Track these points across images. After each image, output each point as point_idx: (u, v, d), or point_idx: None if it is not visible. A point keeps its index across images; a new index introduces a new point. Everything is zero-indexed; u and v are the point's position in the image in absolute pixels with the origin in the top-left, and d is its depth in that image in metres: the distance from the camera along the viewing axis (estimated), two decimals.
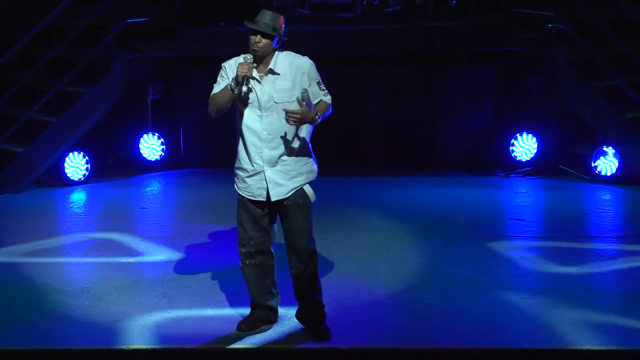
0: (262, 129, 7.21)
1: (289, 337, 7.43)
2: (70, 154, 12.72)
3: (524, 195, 12.36)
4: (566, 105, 13.09)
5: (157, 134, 13.67)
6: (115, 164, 13.42)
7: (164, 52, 13.59)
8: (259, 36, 7.14)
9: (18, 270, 9.22)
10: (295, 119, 7.02)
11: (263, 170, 7.25)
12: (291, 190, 7.28)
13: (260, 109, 7.20)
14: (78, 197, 12.30)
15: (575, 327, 7.55)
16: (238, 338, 7.36)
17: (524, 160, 13.31)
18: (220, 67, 7.39)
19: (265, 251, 7.45)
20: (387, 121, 13.62)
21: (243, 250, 7.44)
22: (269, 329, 7.53)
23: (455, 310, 7.92)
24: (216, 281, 8.70)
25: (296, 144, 7.27)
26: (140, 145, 13.60)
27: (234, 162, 7.39)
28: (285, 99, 7.17)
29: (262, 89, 7.20)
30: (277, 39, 7.20)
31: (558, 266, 9.17)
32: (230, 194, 11.36)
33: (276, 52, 7.25)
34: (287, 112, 7.03)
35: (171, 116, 13.92)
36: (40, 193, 12.40)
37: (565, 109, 13.23)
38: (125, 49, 13.22)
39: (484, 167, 13.38)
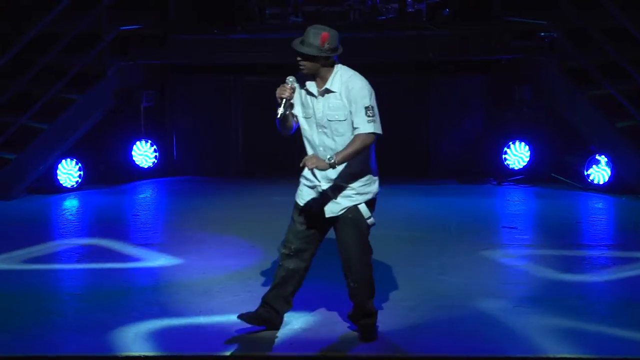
0: (318, 145, 7.21)
1: (283, 344, 7.42)
2: (63, 160, 12.70)
3: (516, 204, 12.36)
4: (559, 114, 13.11)
5: (149, 141, 13.66)
6: (105, 171, 13.38)
7: (156, 60, 13.60)
8: (299, 58, 7.08)
9: (9, 277, 9.21)
10: (308, 166, 7.01)
11: (320, 185, 7.24)
12: (344, 208, 7.22)
13: (317, 125, 7.17)
14: (71, 204, 12.28)
15: (567, 335, 7.54)
16: (230, 346, 7.34)
17: (516, 168, 13.31)
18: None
19: (302, 259, 7.42)
20: None
21: (282, 251, 7.43)
22: (270, 334, 7.50)
23: (448, 319, 7.90)
24: (209, 289, 8.68)
25: (354, 162, 7.14)
26: (133, 153, 13.58)
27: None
28: (336, 117, 7.11)
29: (318, 106, 7.16)
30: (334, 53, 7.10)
31: (550, 274, 9.17)
32: (223, 202, 11.29)
33: (336, 68, 7.16)
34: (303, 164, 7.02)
35: (164, 123, 13.90)
36: (32, 200, 12.37)
37: (557, 118, 13.25)
38: (117, 56, 13.23)
39: (476, 175, 13.38)
